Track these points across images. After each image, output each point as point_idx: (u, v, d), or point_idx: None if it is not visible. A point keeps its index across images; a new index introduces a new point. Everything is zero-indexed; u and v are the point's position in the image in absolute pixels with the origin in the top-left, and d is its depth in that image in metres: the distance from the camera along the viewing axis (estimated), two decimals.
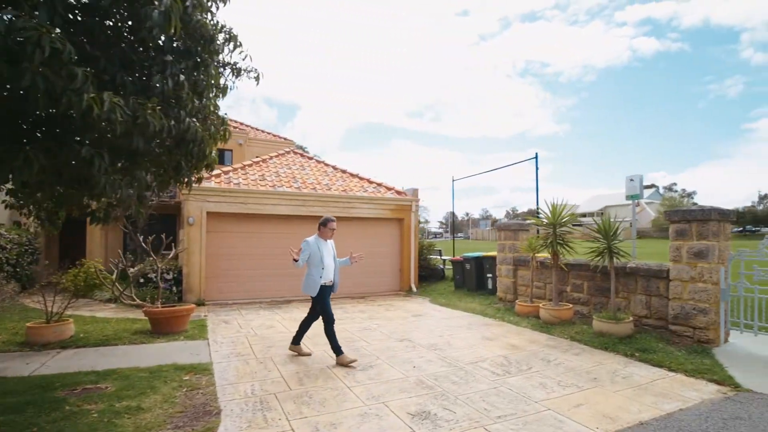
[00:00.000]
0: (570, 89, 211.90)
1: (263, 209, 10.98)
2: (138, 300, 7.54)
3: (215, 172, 11.23)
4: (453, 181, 14.46)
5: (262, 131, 19.11)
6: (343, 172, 13.96)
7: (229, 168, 11.85)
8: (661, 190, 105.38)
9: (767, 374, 4.71)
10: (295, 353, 5.69)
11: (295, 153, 14.51)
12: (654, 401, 4.09)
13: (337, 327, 7.45)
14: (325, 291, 5.36)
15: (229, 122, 4.70)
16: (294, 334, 5.78)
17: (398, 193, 13.16)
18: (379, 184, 13.47)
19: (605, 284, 7.15)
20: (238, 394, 4.27)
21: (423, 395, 4.26)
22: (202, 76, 3.70)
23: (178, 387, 4.42)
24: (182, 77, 3.37)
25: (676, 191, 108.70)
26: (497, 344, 6.27)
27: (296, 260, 5.26)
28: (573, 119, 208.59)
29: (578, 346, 6.10)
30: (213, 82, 4.24)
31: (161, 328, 6.78)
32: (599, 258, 6.59)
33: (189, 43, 3.59)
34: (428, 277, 14.00)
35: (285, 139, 18.60)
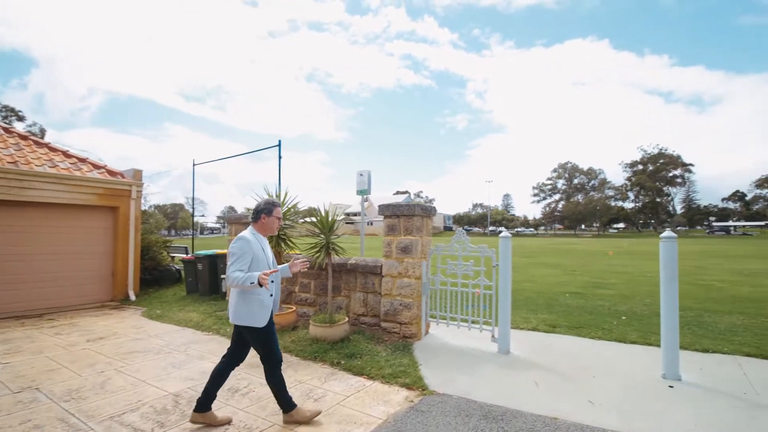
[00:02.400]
0: (350, 101, 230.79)
1: None
2: None
3: None
4: (194, 165, 12.05)
5: None
6: (24, 138, 9.68)
7: None
8: (412, 196, 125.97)
9: (451, 367, 4.63)
10: (204, 424, 3.37)
11: None
12: None
13: None
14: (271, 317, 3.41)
15: None
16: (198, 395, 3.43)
17: (111, 173, 9.91)
18: (83, 160, 9.87)
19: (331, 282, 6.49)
20: None
21: None
22: None
23: None
24: None
25: (422, 197, 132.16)
26: (181, 374, 4.61)
27: (261, 284, 3.06)
28: (351, 129, 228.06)
29: (287, 358, 5.06)
30: None
31: None
32: (318, 254, 5.79)
33: None
34: (159, 280, 11.20)
35: None
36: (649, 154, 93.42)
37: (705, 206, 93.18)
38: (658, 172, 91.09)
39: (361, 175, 7.49)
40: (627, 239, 56.04)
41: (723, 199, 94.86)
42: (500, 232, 5.31)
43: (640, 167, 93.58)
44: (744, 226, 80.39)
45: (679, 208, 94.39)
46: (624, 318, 6.70)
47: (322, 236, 5.74)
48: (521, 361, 4.79)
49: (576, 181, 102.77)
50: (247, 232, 3.36)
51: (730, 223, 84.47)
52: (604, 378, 4.24)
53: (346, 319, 5.74)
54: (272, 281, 3.37)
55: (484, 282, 5.27)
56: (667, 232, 4.32)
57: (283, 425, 3.35)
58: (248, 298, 3.23)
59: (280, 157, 8.84)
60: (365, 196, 7.58)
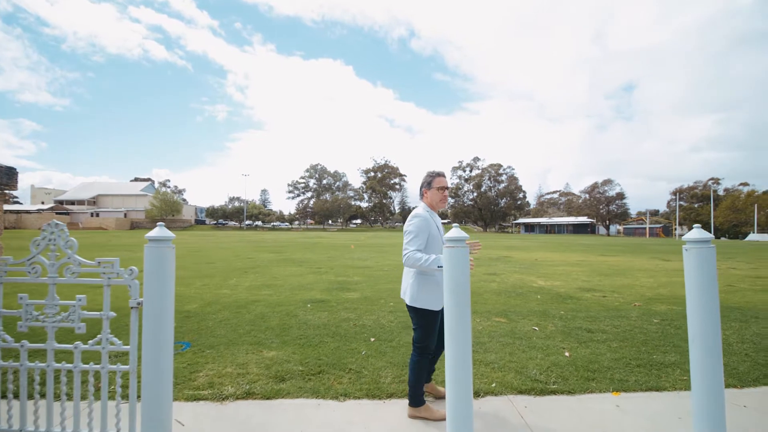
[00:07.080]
0: (75, 63, 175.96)
1: None
2: None
3: None
4: None
5: None
6: None
7: None
8: (156, 185, 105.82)
9: None
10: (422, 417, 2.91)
11: None
12: None
13: None
14: None
15: None
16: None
17: None
18: None
19: None
20: None
21: None
22: None
23: None
24: None
25: (170, 187, 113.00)
26: None
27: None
28: (77, 96, 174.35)
29: None
30: None
31: None
32: None
33: None
34: None
35: None
36: (378, 164, 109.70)
37: (411, 208, 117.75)
38: (384, 179, 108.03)
39: None
40: (363, 233, 62.93)
41: None
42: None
43: (372, 174, 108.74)
44: None
45: (397, 209, 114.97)
46: (373, 339, 4.90)
47: None
48: None
49: (325, 181, 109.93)
50: (421, 209, 2.98)
51: None
52: None
53: None
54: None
55: (113, 346, 2.15)
56: (455, 230, 2.38)
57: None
58: (425, 280, 2.86)
59: None
60: None
